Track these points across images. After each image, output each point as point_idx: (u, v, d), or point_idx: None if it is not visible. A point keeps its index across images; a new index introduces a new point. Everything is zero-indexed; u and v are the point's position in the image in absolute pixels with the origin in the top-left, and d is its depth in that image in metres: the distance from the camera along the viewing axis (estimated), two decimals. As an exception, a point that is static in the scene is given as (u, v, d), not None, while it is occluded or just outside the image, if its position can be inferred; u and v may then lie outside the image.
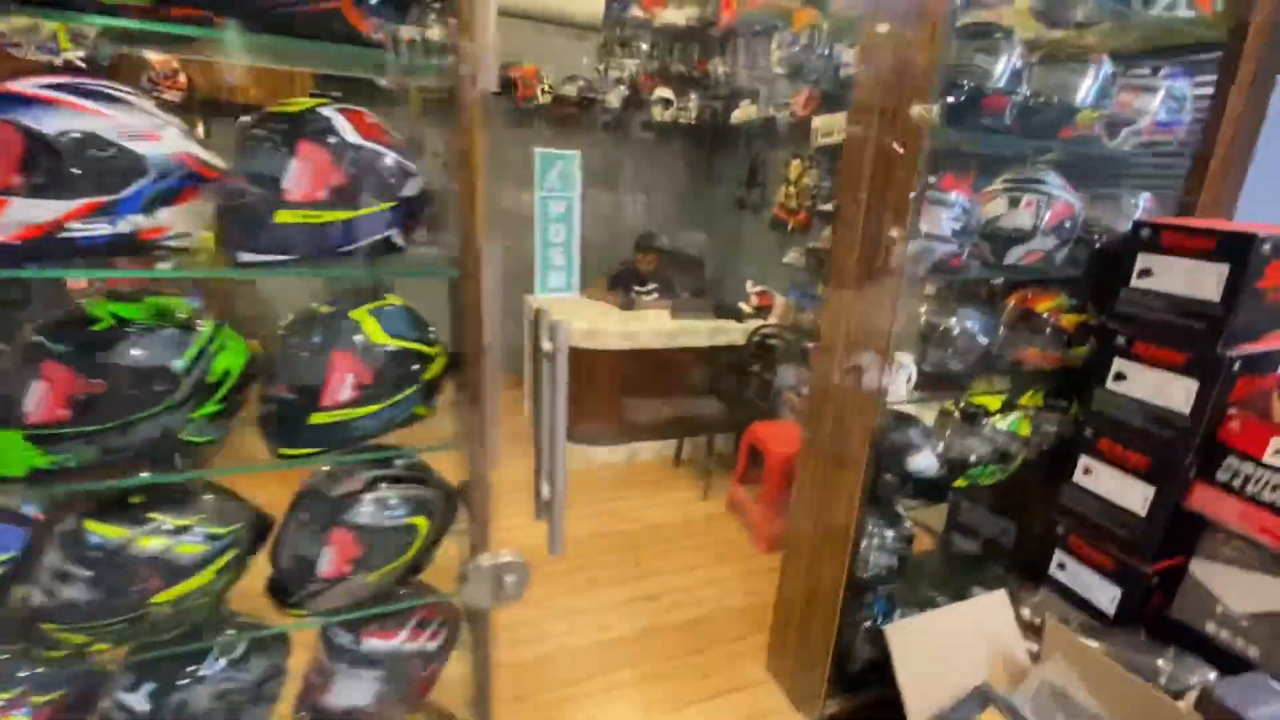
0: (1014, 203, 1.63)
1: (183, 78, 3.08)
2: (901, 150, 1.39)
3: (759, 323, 3.46)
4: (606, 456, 3.42)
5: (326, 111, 0.97)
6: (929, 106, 1.31)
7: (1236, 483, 1.42)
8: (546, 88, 3.86)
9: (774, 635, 2.07)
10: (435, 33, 1.05)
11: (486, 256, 1.07)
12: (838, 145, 2.96)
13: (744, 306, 3.70)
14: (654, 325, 3.29)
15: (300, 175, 0.93)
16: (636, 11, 4.00)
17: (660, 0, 4.01)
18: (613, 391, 3.35)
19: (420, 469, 1.25)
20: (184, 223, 0.95)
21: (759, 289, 3.82)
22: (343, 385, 1.03)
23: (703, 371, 3.44)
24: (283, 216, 0.93)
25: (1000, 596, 1.69)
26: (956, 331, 1.66)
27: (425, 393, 1.15)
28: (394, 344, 1.08)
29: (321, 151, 0.94)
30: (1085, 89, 1.58)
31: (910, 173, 1.37)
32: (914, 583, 2.04)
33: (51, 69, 1.99)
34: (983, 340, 1.66)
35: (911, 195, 1.38)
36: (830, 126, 2.99)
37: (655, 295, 3.83)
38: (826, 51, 3.08)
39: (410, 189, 1.06)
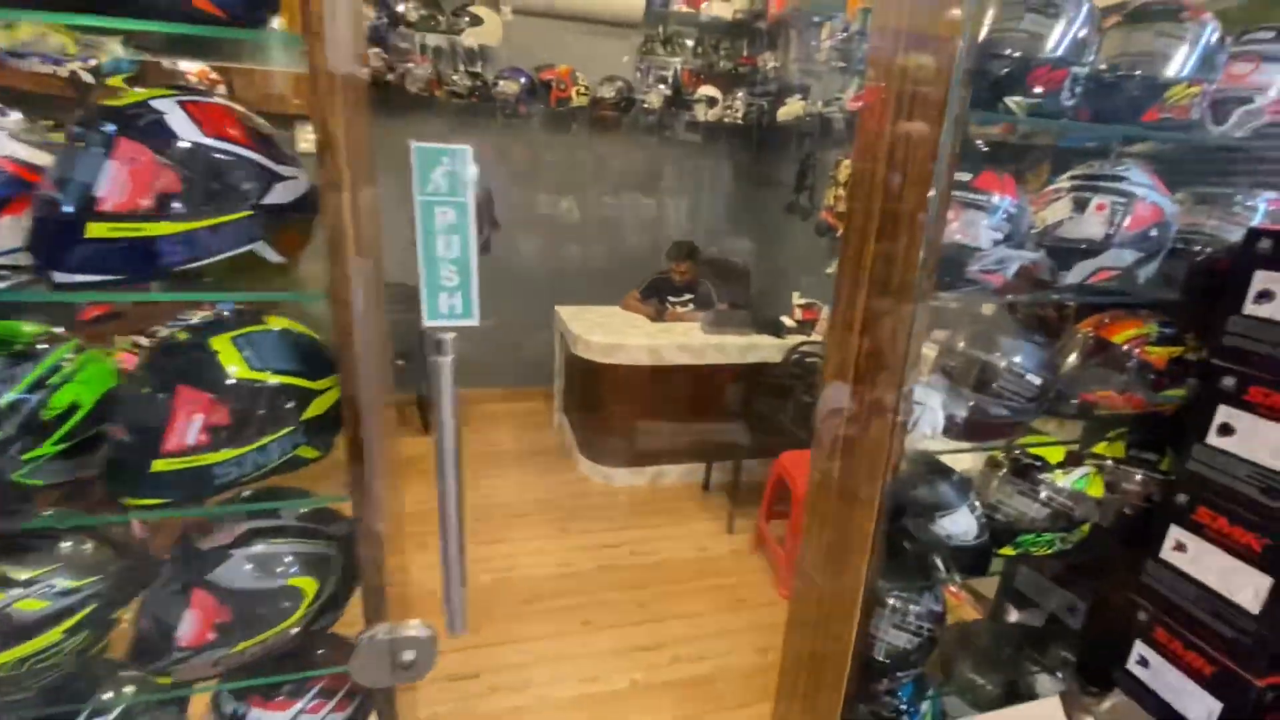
0: (1080, 205, 1.29)
1: (222, 89, 3.13)
2: (918, 131, 1.10)
3: (800, 338, 3.15)
4: (628, 479, 3.20)
5: (161, 104, 0.81)
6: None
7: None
8: (582, 89, 3.70)
9: (778, 705, 1.78)
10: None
11: (358, 276, 0.89)
12: (889, 142, 2.62)
13: (787, 320, 3.39)
14: (681, 339, 3.05)
15: (117, 180, 0.77)
16: (680, 6, 3.78)
17: (705, -7, 3.77)
18: (636, 410, 3.13)
19: (319, 518, 1.08)
20: (13, 237, 0.82)
21: (805, 301, 3.50)
22: (190, 427, 0.87)
23: (735, 391, 3.17)
24: (95, 230, 0.77)
25: (1054, 706, 1.34)
26: (1001, 366, 1.33)
27: (308, 432, 0.98)
28: (261, 377, 0.92)
29: (145, 152, 0.78)
30: (1181, 59, 1.22)
31: (928, 165, 1.08)
32: (955, 660, 1.70)
33: (55, 79, 2.00)
34: (1035, 380, 1.33)
35: (930, 194, 1.09)
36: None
37: (690, 306, 3.58)
38: (879, 37, 2.75)
39: (279, 195, 0.89)
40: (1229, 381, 1.23)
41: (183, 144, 0.80)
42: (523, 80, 3.59)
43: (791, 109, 3.45)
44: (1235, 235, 1.31)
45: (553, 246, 4.11)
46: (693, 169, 4.24)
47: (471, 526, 1.68)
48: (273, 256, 0.92)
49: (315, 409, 0.97)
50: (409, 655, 1.02)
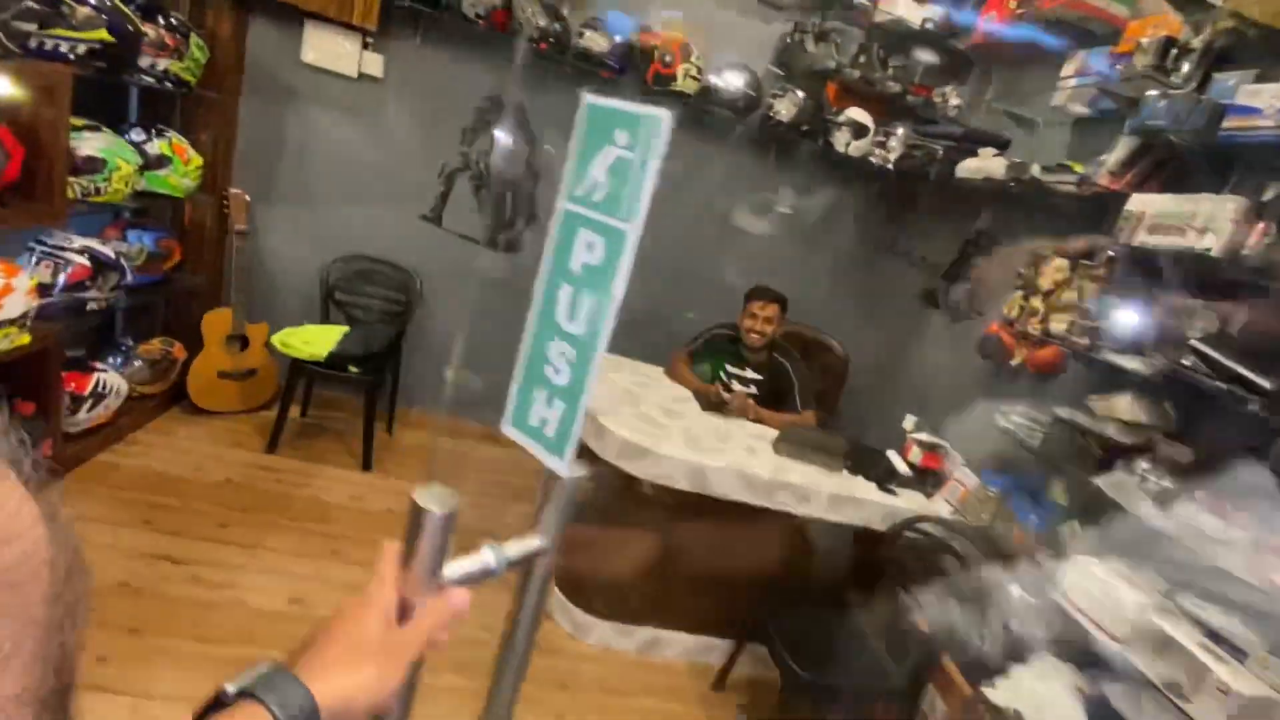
0: None
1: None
2: None
3: (915, 509, 2.06)
4: (608, 637, 2.14)
5: None
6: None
7: None
8: (694, 71, 2.70)
9: None
10: None
11: None
12: (1183, 254, 1.53)
13: (897, 462, 2.31)
14: (740, 461, 1.99)
15: None
16: (853, -8, 2.75)
17: (892, -17, 2.74)
18: (649, 542, 2.09)
19: None
20: None
21: (926, 438, 2.41)
22: None
23: (803, 558, 2.10)
24: None
25: None
26: None
27: None
28: None
29: None
30: None
31: None
32: None
33: None
34: None
35: None
36: (1175, 215, 1.56)
37: (754, 389, 2.52)
38: (1195, 83, 1.67)
39: None
40: None
41: None
42: (617, 38, 2.62)
43: (985, 165, 2.37)
44: None
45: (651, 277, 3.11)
46: (807, 210, 3.19)
47: None
48: None
49: None
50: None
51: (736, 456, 2.02)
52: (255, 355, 2.86)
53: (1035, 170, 2.17)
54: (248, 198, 2.66)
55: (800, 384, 2.60)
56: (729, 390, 2.49)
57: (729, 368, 2.62)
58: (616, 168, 0.47)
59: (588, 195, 0.48)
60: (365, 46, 2.64)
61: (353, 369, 2.60)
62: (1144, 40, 1.87)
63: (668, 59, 2.64)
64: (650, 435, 1.95)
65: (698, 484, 1.93)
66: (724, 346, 2.67)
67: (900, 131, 2.87)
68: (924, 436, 2.44)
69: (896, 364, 2.93)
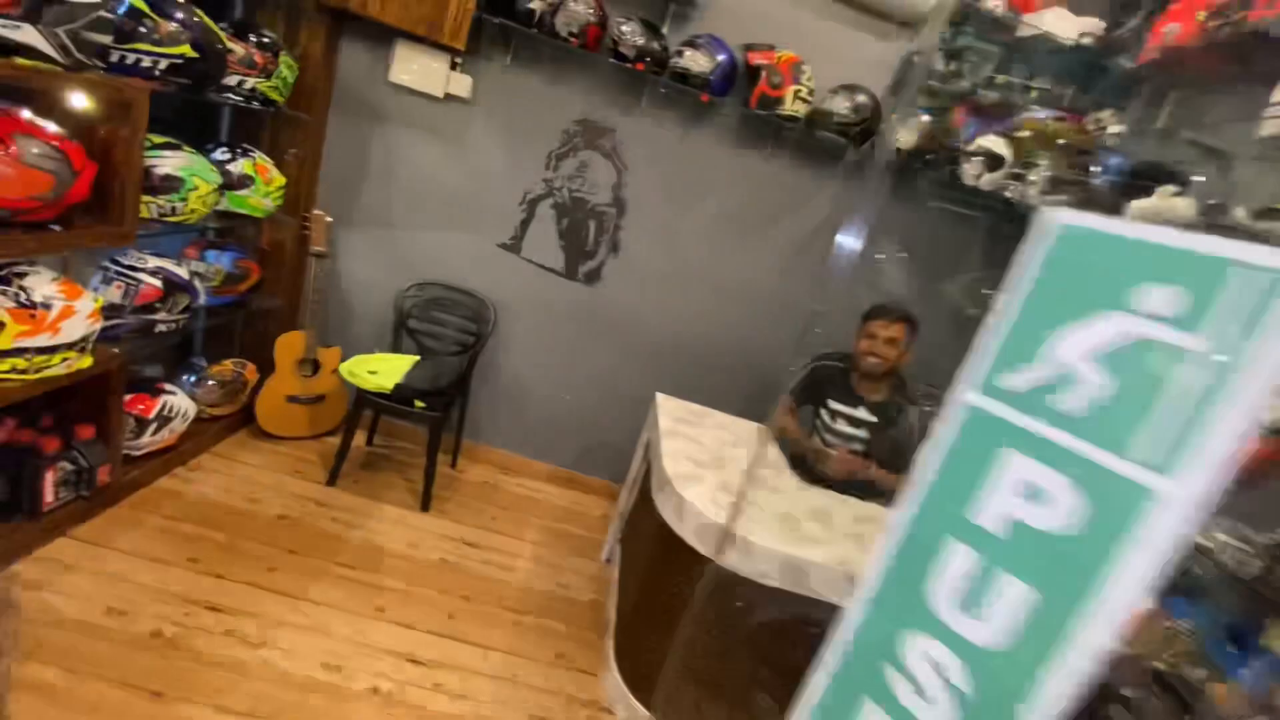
0: None
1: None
2: None
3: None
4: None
5: None
6: None
7: None
8: (806, 93, 2.42)
9: None
10: None
11: None
12: None
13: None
14: (841, 554, 1.64)
15: None
16: (993, 3, 2.39)
17: (1042, -6, 2.38)
18: (741, 652, 1.77)
19: None
20: None
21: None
22: None
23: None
24: None
25: None
26: None
27: None
28: None
29: None
30: None
31: None
32: None
33: None
34: None
35: None
36: None
37: (862, 441, 2.13)
38: None
39: None
40: None
41: None
42: (721, 58, 2.37)
43: (1165, 206, 1.94)
44: None
45: (682, 300, 2.85)
46: (932, 251, 2.81)
47: None
48: None
49: None
50: None
51: (841, 549, 1.68)
52: (325, 380, 2.77)
53: (1240, 214, 1.73)
54: (329, 219, 2.58)
55: (920, 433, 2.20)
56: (827, 442, 2.13)
57: (832, 404, 2.21)
58: (1141, 358, 0.19)
59: (1042, 398, 0.22)
60: (453, 67, 2.52)
61: (418, 404, 2.45)
62: None
63: (776, 80, 2.36)
64: (746, 519, 1.64)
65: (795, 580, 1.60)
66: (830, 378, 2.24)
67: (1044, 162, 2.46)
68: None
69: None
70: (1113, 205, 2.15)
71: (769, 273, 2.82)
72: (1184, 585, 1.65)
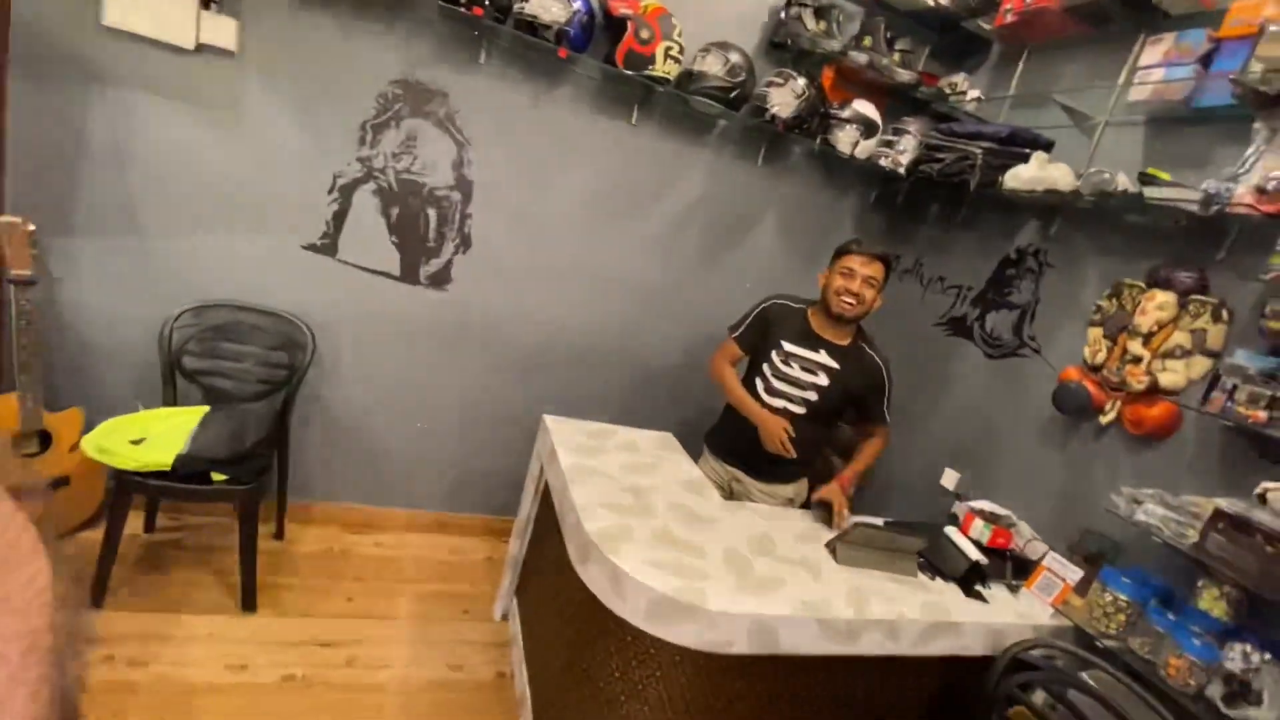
0: None
1: None
2: None
3: (1014, 620, 1.60)
4: None
5: None
6: None
7: None
8: (678, 50, 2.09)
9: None
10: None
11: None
12: None
13: (958, 541, 1.83)
14: (811, 600, 1.41)
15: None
16: (861, -43, 2.23)
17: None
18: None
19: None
20: None
21: (985, 507, 1.97)
22: None
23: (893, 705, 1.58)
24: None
25: None
26: None
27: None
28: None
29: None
30: None
31: None
32: None
33: None
34: None
35: None
36: None
37: (823, 384, 1.89)
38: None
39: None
40: None
41: None
42: (577, 5, 1.95)
43: (1045, 174, 1.93)
44: None
45: (551, 296, 2.45)
46: (806, 225, 2.67)
47: None
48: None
49: None
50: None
51: (801, 587, 1.46)
52: (64, 457, 1.96)
53: (1122, 182, 1.75)
54: (30, 227, 1.76)
55: (892, 391, 1.95)
56: (772, 388, 1.89)
57: (786, 345, 1.89)
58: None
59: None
60: (206, 5, 1.81)
61: (217, 476, 1.80)
62: (1273, 26, 1.49)
63: (645, 35, 2.00)
64: (690, 586, 1.34)
65: (762, 641, 1.35)
66: (785, 317, 1.94)
67: (913, 129, 2.41)
68: (985, 505, 2.00)
69: (915, 402, 2.48)
70: (992, 170, 2.13)
71: (649, 256, 2.50)
72: (1112, 556, 1.68)
